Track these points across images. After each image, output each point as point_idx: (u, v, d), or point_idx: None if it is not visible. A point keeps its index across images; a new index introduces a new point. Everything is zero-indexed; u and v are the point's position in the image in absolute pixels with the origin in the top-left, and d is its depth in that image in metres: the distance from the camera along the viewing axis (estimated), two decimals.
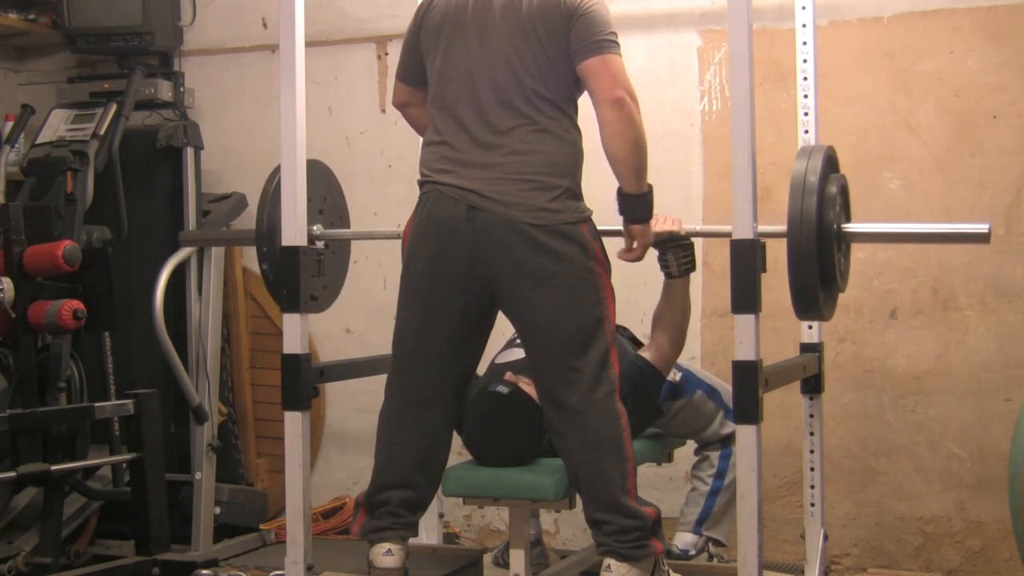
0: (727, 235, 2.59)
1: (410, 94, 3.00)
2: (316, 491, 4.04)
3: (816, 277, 2.67)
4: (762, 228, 2.64)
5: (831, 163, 2.81)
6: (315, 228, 3.18)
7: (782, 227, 2.68)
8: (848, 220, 2.86)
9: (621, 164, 2.73)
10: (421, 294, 2.83)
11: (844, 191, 2.83)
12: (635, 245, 2.84)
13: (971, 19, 3.65)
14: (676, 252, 3.01)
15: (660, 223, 2.98)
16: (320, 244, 3.19)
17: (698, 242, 3.91)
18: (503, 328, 2.93)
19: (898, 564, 3.74)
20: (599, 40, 2.72)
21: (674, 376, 3.24)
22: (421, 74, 2.92)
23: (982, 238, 2.76)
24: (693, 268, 3.05)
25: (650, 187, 2.79)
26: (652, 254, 3.01)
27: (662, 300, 3.08)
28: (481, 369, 3.03)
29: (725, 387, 3.30)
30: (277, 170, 3.16)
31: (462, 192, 2.76)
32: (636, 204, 2.78)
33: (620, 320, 2.99)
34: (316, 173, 3.25)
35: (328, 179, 3.38)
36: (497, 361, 3.14)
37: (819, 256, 2.65)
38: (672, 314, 3.05)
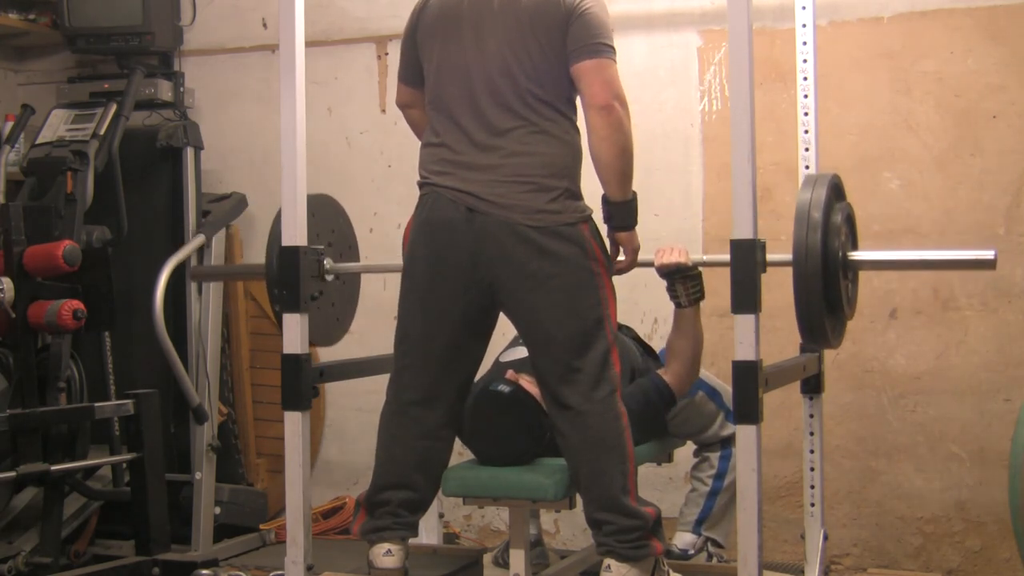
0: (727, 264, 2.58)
1: (411, 95, 3.00)
2: (316, 491, 4.04)
3: (823, 307, 2.70)
4: (768, 258, 2.67)
5: (836, 191, 2.83)
6: (326, 263, 3.19)
7: (788, 256, 2.71)
8: (855, 247, 2.88)
9: (607, 170, 2.74)
10: (422, 295, 2.83)
11: (850, 220, 2.85)
12: (622, 253, 2.85)
13: (971, 19, 3.65)
14: (684, 283, 3.02)
15: (667, 254, 3.00)
16: (330, 278, 3.22)
17: (698, 242, 3.96)
18: (507, 327, 2.93)
19: (898, 564, 3.74)
20: (595, 43, 2.71)
21: None
22: (420, 74, 2.92)
23: (988, 264, 2.78)
24: (702, 297, 3.06)
25: (634, 194, 2.80)
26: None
27: (673, 330, 3.10)
28: (484, 368, 3.03)
29: (727, 389, 3.31)
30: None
31: (460, 194, 2.76)
32: (621, 211, 2.80)
33: (620, 319, 2.99)
34: (324, 207, 3.28)
35: (336, 211, 3.40)
36: (501, 359, 3.14)
37: (825, 286, 2.68)
38: (684, 342, 3.06)
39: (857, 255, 2.84)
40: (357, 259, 3.45)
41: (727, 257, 2.56)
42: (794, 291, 2.69)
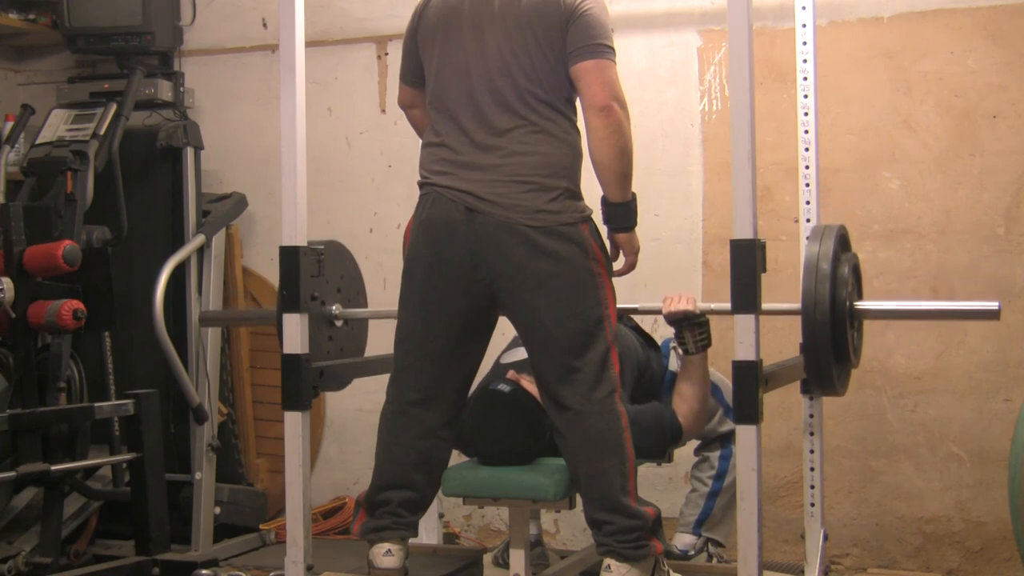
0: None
1: (413, 95, 3.00)
2: (316, 491, 4.04)
3: (830, 356, 2.74)
4: (777, 306, 2.72)
5: (843, 243, 2.87)
6: (334, 308, 3.21)
7: (796, 305, 2.74)
8: (860, 297, 2.91)
9: (606, 171, 2.74)
10: (422, 295, 2.83)
11: (856, 270, 2.89)
12: (622, 255, 2.86)
13: (971, 19, 3.65)
14: (692, 330, 3.03)
15: (674, 302, 3.00)
16: (339, 323, 3.24)
17: (698, 242, 3.96)
18: (506, 328, 2.93)
19: (898, 564, 3.74)
20: (594, 44, 2.71)
21: (678, 368, 3.24)
22: (421, 75, 2.92)
23: (992, 315, 2.80)
24: (709, 344, 3.06)
25: (634, 195, 2.80)
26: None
27: (681, 375, 3.10)
28: (484, 369, 3.03)
29: (727, 383, 3.31)
30: None
31: (460, 194, 2.76)
32: (620, 212, 2.80)
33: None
34: (334, 254, 3.29)
35: (344, 257, 3.41)
36: (501, 361, 3.14)
37: (833, 336, 2.72)
38: (693, 389, 3.06)
39: (863, 305, 2.89)
40: (365, 305, 3.47)
41: (724, 305, 2.58)
42: (803, 340, 2.74)
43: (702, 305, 3.02)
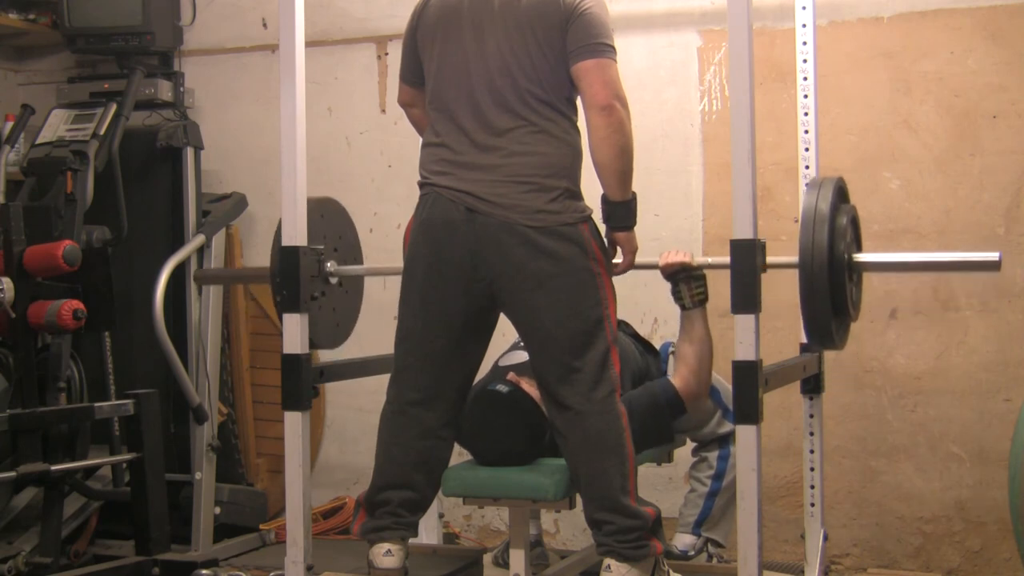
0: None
1: (413, 94, 3.00)
2: (316, 491, 4.04)
3: (828, 308, 2.71)
4: (774, 260, 2.68)
5: (841, 194, 2.84)
6: (329, 265, 3.19)
7: (794, 258, 2.72)
8: (859, 249, 2.89)
9: (606, 170, 2.74)
10: (422, 295, 2.83)
11: (854, 222, 2.86)
12: (620, 254, 2.85)
13: (971, 19, 3.65)
14: (688, 283, 3.02)
15: (672, 255, 3.00)
16: (334, 281, 3.22)
17: (698, 242, 3.96)
18: (506, 330, 2.93)
19: (898, 564, 3.74)
20: (595, 43, 2.71)
21: None
22: (421, 74, 2.92)
23: (992, 266, 2.78)
24: (706, 299, 3.05)
25: (634, 194, 2.80)
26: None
27: (681, 333, 3.09)
28: (484, 369, 3.03)
29: (726, 386, 3.30)
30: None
31: (460, 195, 2.76)
32: (620, 211, 2.79)
33: (619, 318, 2.98)
34: (332, 212, 3.28)
35: (343, 218, 3.40)
36: (500, 363, 3.14)
37: (831, 287, 2.69)
38: (691, 346, 3.04)
39: (862, 257, 2.85)
40: (362, 265, 3.45)
41: (724, 260, 2.56)
42: (800, 293, 2.70)
43: (700, 259, 3.02)
